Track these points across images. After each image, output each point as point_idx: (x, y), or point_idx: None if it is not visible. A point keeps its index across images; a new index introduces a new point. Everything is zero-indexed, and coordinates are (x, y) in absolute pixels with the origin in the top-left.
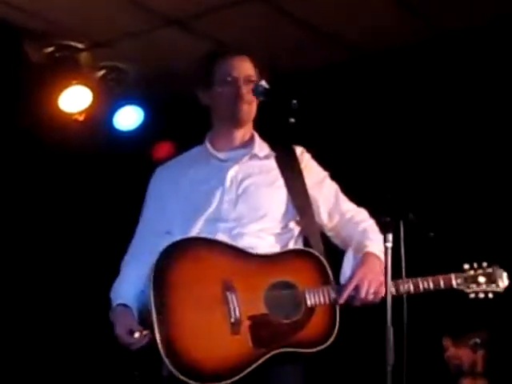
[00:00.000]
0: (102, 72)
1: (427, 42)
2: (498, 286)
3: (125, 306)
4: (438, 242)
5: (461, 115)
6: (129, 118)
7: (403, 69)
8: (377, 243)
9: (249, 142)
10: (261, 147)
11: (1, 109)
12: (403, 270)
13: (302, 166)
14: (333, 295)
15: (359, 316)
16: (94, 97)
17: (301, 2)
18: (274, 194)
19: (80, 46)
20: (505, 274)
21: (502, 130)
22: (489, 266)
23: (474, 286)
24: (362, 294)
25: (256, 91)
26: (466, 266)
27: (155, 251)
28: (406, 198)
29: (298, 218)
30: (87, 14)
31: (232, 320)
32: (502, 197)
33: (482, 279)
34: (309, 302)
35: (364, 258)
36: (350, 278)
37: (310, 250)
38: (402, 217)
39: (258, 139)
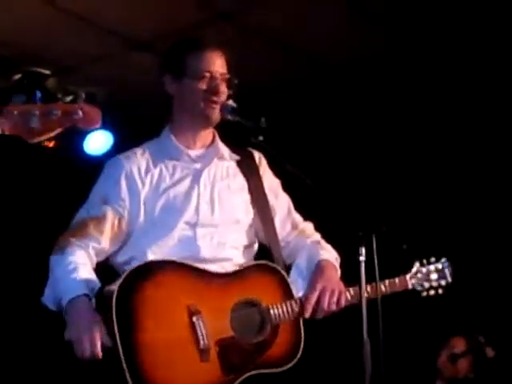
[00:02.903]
0: (70, 97)
1: (390, 52)
2: (447, 279)
3: (90, 299)
4: (412, 254)
5: (431, 125)
6: (98, 142)
7: (369, 80)
8: (330, 252)
9: (213, 142)
10: (223, 148)
11: None
12: (377, 283)
13: (261, 171)
14: (296, 310)
15: (334, 328)
16: None
17: (265, 20)
18: (244, 201)
19: (47, 72)
20: (451, 268)
21: (475, 139)
22: (437, 261)
23: (426, 284)
24: (325, 306)
25: (225, 110)
26: (417, 264)
27: (102, 249)
28: (378, 211)
29: (259, 229)
30: (54, 39)
31: (201, 347)
32: (473, 206)
33: (433, 276)
34: (274, 319)
35: (320, 266)
36: (311, 289)
37: (270, 264)
38: (374, 230)
39: (218, 139)
